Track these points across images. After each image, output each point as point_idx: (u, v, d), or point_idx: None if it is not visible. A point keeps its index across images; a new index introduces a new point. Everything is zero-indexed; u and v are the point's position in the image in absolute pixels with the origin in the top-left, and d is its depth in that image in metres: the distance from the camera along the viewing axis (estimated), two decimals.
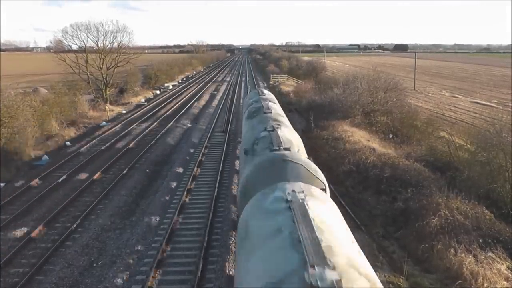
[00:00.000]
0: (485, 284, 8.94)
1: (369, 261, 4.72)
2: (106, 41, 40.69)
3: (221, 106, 37.45)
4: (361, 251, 4.71)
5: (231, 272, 9.83)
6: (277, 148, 8.13)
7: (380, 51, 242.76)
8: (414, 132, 22.79)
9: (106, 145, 22.32)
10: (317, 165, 7.60)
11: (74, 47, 39.92)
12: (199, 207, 13.99)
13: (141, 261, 10.61)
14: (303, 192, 5.55)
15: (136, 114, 33.33)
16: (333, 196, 10.07)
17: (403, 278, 9.45)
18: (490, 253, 10.01)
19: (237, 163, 17.85)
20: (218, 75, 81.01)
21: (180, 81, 67.22)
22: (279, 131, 9.38)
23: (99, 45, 40.34)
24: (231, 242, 11.23)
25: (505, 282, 9.13)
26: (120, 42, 41.68)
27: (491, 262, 9.64)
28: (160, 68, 61.86)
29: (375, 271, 4.58)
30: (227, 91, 50.08)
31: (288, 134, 9.71)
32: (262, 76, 72.57)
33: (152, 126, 27.91)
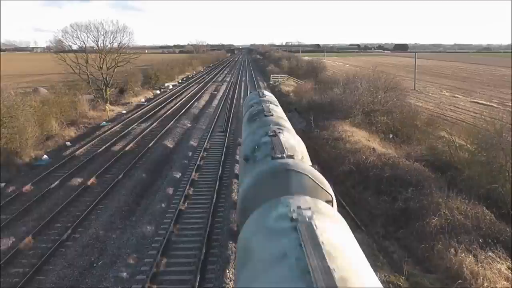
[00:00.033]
0: (485, 284, 8.93)
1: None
2: (106, 41, 40.76)
3: (221, 106, 37.46)
4: (379, 281, 4.27)
5: None
6: (280, 155, 7.72)
7: (380, 51, 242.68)
8: (414, 132, 22.76)
9: (106, 145, 22.34)
10: (317, 165, 7.48)
11: (74, 47, 40.04)
12: (199, 211, 14.04)
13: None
14: (309, 208, 5.11)
15: (136, 114, 33.35)
16: (340, 206, 9.84)
17: (403, 278, 9.46)
18: (490, 253, 10.01)
19: (237, 166, 17.82)
20: (218, 75, 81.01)
21: (180, 81, 67.21)
22: (281, 136, 9.04)
23: (99, 45, 40.39)
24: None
25: (505, 282, 9.12)
26: (120, 42, 41.75)
27: (491, 262, 9.64)
28: (160, 68, 61.87)
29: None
30: (227, 91, 50.11)
31: (291, 140, 9.38)
32: (262, 76, 72.55)
33: (152, 126, 27.92)
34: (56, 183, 16.32)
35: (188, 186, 15.61)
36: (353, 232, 5.40)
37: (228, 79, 69.62)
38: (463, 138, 17.85)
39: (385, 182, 14.79)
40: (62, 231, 12.28)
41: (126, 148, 21.73)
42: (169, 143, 23.24)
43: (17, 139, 19.86)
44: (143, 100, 43.40)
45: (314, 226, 4.55)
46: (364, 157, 17.27)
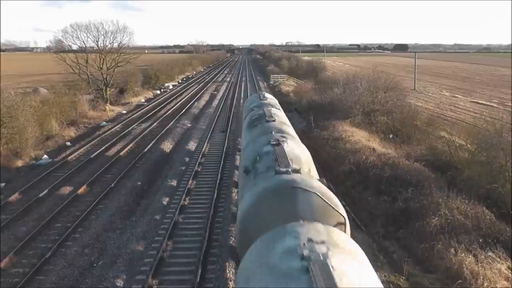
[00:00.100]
0: (485, 284, 8.93)
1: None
2: (106, 41, 40.78)
3: (221, 106, 37.47)
4: None
5: None
6: (284, 170, 6.84)
7: (380, 51, 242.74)
8: (414, 132, 22.77)
9: (106, 145, 22.35)
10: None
11: (74, 47, 40.07)
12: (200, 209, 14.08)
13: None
14: (323, 242, 4.23)
15: (136, 114, 33.34)
16: (353, 224, 9.23)
17: (403, 278, 9.46)
18: (490, 253, 10.02)
19: (237, 168, 17.81)
20: (218, 75, 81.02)
21: (180, 81, 67.23)
22: (285, 146, 8.25)
23: (99, 45, 40.41)
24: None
25: (505, 282, 9.12)
26: (120, 42, 41.77)
27: (491, 262, 9.64)
28: (160, 68, 61.88)
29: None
30: (227, 91, 50.12)
31: (296, 149, 8.57)
32: (262, 76, 72.57)
33: (153, 126, 27.92)
34: (47, 190, 16.06)
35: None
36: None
37: (228, 79, 69.63)
38: (463, 138, 17.85)
39: (385, 182, 14.79)
40: (62, 231, 12.32)
41: (126, 148, 21.72)
42: (169, 143, 23.23)
43: (17, 139, 19.88)
44: (143, 100, 43.40)
45: (331, 268, 3.76)
46: (364, 157, 17.27)
